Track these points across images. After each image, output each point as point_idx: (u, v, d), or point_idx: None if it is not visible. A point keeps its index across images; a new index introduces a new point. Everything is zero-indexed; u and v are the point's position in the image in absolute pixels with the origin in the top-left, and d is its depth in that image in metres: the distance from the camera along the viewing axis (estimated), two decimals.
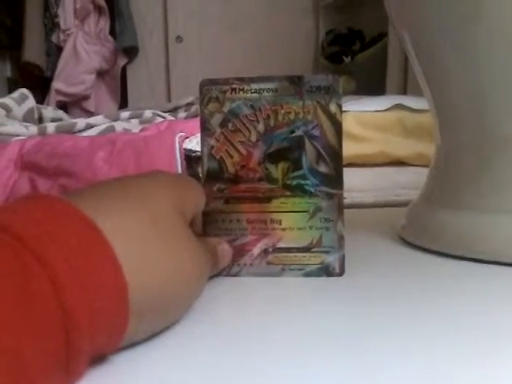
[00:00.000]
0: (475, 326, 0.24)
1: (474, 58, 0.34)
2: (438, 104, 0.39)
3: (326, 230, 0.31)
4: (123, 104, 2.44)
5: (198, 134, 0.54)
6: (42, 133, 0.63)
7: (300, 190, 0.31)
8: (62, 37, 2.35)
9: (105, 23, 2.41)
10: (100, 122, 0.67)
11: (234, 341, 0.23)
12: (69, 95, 2.36)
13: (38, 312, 0.16)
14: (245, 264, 0.32)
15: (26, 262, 0.17)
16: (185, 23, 2.54)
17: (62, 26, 2.33)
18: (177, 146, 0.54)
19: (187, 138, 0.55)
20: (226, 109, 0.32)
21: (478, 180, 0.36)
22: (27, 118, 0.76)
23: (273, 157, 0.32)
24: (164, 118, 0.73)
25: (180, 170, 0.52)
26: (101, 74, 2.45)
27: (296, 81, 0.31)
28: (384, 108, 0.64)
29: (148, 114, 0.72)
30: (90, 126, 0.66)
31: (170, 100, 2.44)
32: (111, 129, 0.66)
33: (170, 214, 0.24)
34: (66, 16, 2.33)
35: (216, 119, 0.32)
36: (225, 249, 0.31)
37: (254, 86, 0.32)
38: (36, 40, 2.31)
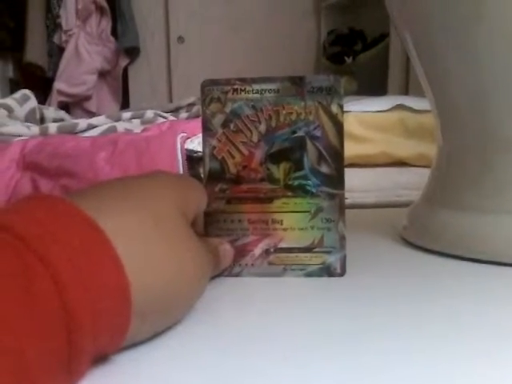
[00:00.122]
0: (476, 326, 0.24)
1: (475, 58, 0.34)
2: (440, 105, 0.39)
3: (328, 231, 0.31)
4: (125, 104, 2.45)
5: (200, 135, 0.55)
6: (44, 133, 0.63)
7: (301, 191, 0.31)
8: (63, 37, 2.36)
9: (106, 24, 2.41)
10: (102, 123, 0.67)
11: (236, 341, 0.23)
12: (70, 96, 2.36)
13: (41, 312, 0.16)
14: (246, 264, 0.32)
15: (28, 262, 0.17)
16: (186, 24, 2.54)
17: (64, 26, 2.34)
18: (178, 146, 0.54)
19: (189, 138, 0.55)
20: (227, 109, 0.32)
21: (480, 181, 0.36)
22: (29, 118, 0.76)
23: (274, 157, 0.32)
24: (165, 118, 0.73)
25: (181, 171, 0.53)
26: (102, 75, 2.46)
27: (297, 81, 0.32)
28: (385, 108, 0.64)
29: (150, 114, 0.73)
30: (91, 127, 0.66)
31: (171, 100, 2.44)
32: (113, 129, 0.66)
33: (172, 214, 0.24)
34: (67, 17, 2.34)
35: (218, 120, 0.32)
36: (226, 249, 0.31)
37: (256, 87, 0.32)
38: (38, 41, 2.31)
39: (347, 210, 0.32)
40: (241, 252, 0.32)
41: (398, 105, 0.64)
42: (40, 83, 2.33)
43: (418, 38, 0.38)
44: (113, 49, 2.43)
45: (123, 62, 2.47)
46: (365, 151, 0.61)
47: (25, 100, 0.77)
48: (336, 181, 0.31)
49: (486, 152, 0.35)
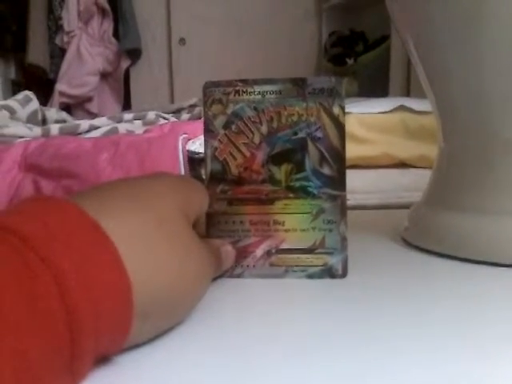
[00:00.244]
0: (478, 328, 0.24)
1: (477, 59, 0.34)
2: (441, 106, 0.39)
3: (329, 232, 0.31)
4: (126, 106, 2.45)
5: (201, 136, 0.55)
6: (46, 134, 0.63)
7: (303, 192, 0.32)
8: (65, 39, 2.36)
9: (108, 25, 2.42)
10: (103, 124, 0.67)
11: (237, 342, 0.23)
12: (72, 97, 2.36)
13: (43, 312, 0.16)
14: (248, 265, 0.32)
15: (30, 262, 0.17)
16: (188, 25, 2.54)
17: (66, 28, 2.34)
18: (180, 147, 0.54)
19: (190, 139, 0.55)
20: (229, 111, 0.32)
21: (481, 182, 0.36)
22: (31, 119, 0.76)
23: (276, 158, 0.32)
24: (167, 119, 0.74)
25: (183, 172, 0.53)
26: (104, 76, 2.46)
27: (299, 83, 0.32)
28: (387, 110, 0.64)
29: (151, 115, 0.73)
30: (93, 128, 0.66)
31: (173, 102, 2.44)
32: (114, 130, 0.66)
33: (174, 215, 0.24)
34: (69, 18, 2.34)
35: (219, 121, 0.32)
36: (228, 250, 0.31)
37: (258, 88, 0.32)
38: (40, 42, 2.32)
39: (349, 212, 0.32)
40: (242, 253, 0.32)
41: (399, 106, 0.64)
42: (42, 85, 2.33)
43: (419, 39, 0.38)
44: (114, 50, 2.44)
45: (125, 63, 2.47)
46: (366, 152, 0.61)
47: (27, 101, 0.77)
48: (337, 182, 0.31)
49: (488, 153, 0.35)
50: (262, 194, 0.32)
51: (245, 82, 0.32)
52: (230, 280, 0.32)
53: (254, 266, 0.32)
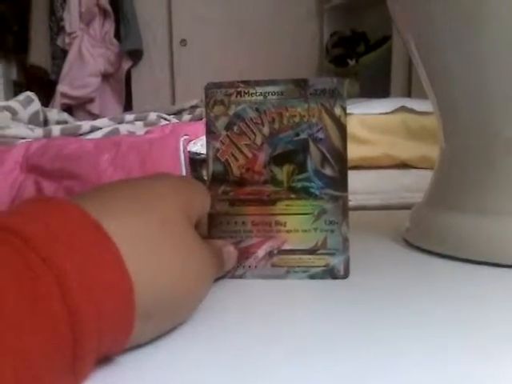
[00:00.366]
0: (480, 328, 0.24)
1: (477, 60, 0.34)
2: (442, 106, 0.39)
3: (331, 233, 0.31)
4: (128, 107, 2.45)
5: (203, 137, 0.55)
6: (48, 135, 0.63)
7: (305, 193, 0.32)
8: (67, 40, 2.36)
9: (110, 26, 2.42)
10: (105, 125, 0.67)
11: (239, 342, 0.23)
12: (74, 98, 2.37)
13: (45, 313, 0.16)
14: (250, 266, 0.32)
15: (32, 263, 0.17)
16: (189, 26, 2.54)
17: (68, 29, 2.34)
18: (181, 148, 0.54)
19: (191, 140, 0.55)
20: (231, 112, 0.32)
21: (483, 182, 0.36)
22: (33, 120, 0.76)
23: (278, 159, 0.32)
24: (168, 120, 0.74)
25: (184, 173, 0.53)
26: (106, 77, 2.46)
27: (301, 84, 0.32)
28: (388, 110, 0.64)
29: (152, 116, 0.73)
30: (94, 129, 0.66)
31: (174, 103, 2.44)
32: (116, 131, 0.66)
33: (176, 216, 0.24)
34: (71, 19, 2.34)
35: (221, 122, 0.32)
36: (230, 251, 0.31)
37: (259, 90, 0.32)
38: (42, 43, 2.32)
39: (350, 212, 0.32)
40: (244, 254, 0.32)
41: (400, 107, 0.64)
42: (43, 85, 2.33)
43: (420, 39, 0.38)
44: (116, 51, 2.44)
45: (126, 64, 2.48)
46: (367, 153, 0.61)
47: (28, 102, 0.77)
48: (339, 183, 0.31)
49: (489, 154, 0.35)
50: (264, 194, 0.32)
51: (246, 83, 0.32)
52: (231, 281, 0.32)
53: (255, 266, 0.32)
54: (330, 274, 0.31)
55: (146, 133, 0.62)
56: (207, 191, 0.30)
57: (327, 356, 0.22)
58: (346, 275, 0.31)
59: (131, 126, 0.68)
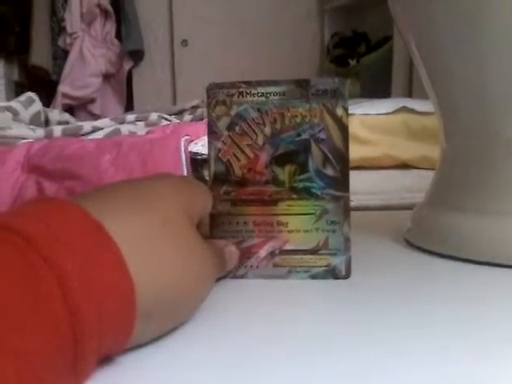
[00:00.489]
0: (481, 329, 0.24)
1: (478, 60, 0.34)
2: (443, 107, 0.39)
3: (333, 233, 0.31)
4: (129, 107, 2.45)
5: (204, 137, 0.55)
6: (49, 136, 0.64)
7: (306, 193, 0.32)
8: (68, 40, 2.36)
9: (111, 27, 2.42)
10: (106, 125, 0.68)
11: (241, 342, 0.23)
12: (75, 98, 2.37)
13: (46, 313, 0.17)
14: (251, 266, 0.32)
15: (34, 262, 0.17)
16: (190, 27, 2.54)
17: (69, 29, 2.34)
18: (182, 148, 0.54)
19: (192, 140, 0.55)
20: (233, 112, 0.32)
21: (484, 182, 0.36)
22: (34, 121, 0.76)
23: (279, 160, 0.32)
24: (169, 120, 0.74)
25: (185, 173, 0.53)
26: (107, 78, 2.46)
27: (303, 84, 0.32)
28: (389, 111, 0.64)
29: (153, 116, 0.73)
30: (96, 129, 0.66)
31: (175, 103, 2.44)
32: (117, 131, 0.66)
33: (178, 216, 0.24)
34: (72, 20, 2.34)
35: (223, 122, 0.32)
36: (232, 251, 0.31)
37: (261, 90, 0.32)
38: (43, 44, 2.32)
39: (352, 212, 0.32)
40: (246, 254, 0.32)
41: (401, 107, 0.64)
42: (45, 86, 2.33)
43: (421, 40, 0.38)
44: (117, 52, 2.44)
45: (127, 64, 2.48)
46: (368, 153, 0.61)
47: (30, 103, 0.77)
48: (341, 183, 0.32)
49: (490, 154, 0.35)
50: (266, 194, 0.32)
51: (248, 83, 0.32)
52: (233, 280, 0.32)
53: (257, 266, 0.32)
54: (332, 274, 0.31)
55: (147, 133, 0.62)
56: (209, 191, 0.30)
57: (329, 356, 0.22)
58: (347, 275, 0.31)
59: (132, 127, 0.68)
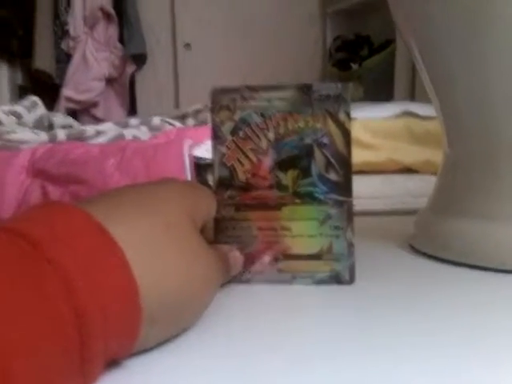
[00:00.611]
0: (489, 336, 0.24)
1: (481, 65, 0.34)
2: (446, 113, 0.39)
3: (336, 238, 0.31)
4: (132, 111, 2.46)
5: (207, 142, 0.55)
6: (53, 140, 0.64)
7: (309, 198, 0.32)
8: (71, 44, 2.37)
9: (114, 30, 2.43)
10: (109, 129, 0.68)
11: (244, 348, 0.23)
12: (78, 102, 2.37)
13: (52, 314, 0.17)
14: (255, 271, 0.32)
15: (40, 264, 0.17)
16: (193, 30, 2.55)
17: (72, 33, 2.35)
18: (186, 153, 0.54)
19: (196, 145, 0.56)
20: (236, 117, 0.32)
21: (487, 187, 0.36)
22: (37, 124, 0.77)
23: (283, 164, 0.32)
24: (172, 124, 0.74)
25: (189, 178, 0.53)
26: (110, 81, 2.47)
27: (305, 89, 0.32)
28: (392, 115, 0.64)
29: (156, 121, 0.73)
30: (99, 133, 0.66)
31: (178, 107, 2.45)
32: (121, 136, 0.66)
33: (182, 220, 0.25)
34: (75, 23, 2.35)
35: (227, 127, 0.32)
36: (236, 256, 0.31)
37: (265, 95, 0.32)
38: (46, 47, 2.33)
39: (355, 217, 0.32)
40: (250, 259, 0.32)
41: (404, 111, 0.64)
42: (48, 90, 2.34)
43: (424, 45, 0.38)
44: (120, 55, 2.45)
45: (130, 68, 2.48)
46: (371, 158, 0.61)
47: (33, 107, 0.78)
48: (344, 188, 0.32)
49: (493, 158, 0.35)
50: (269, 199, 0.32)
51: (252, 88, 0.32)
52: (237, 286, 0.32)
53: (261, 271, 0.32)
54: (336, 279, 0.31)
55: (151, 138, 0.62)
56: (213, 195, 0.30)
57: (332, 364, 0.22)
58: (351, 281, 0.31)
59: (136, 131, 0.69)
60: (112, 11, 2.40)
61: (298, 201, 0.32)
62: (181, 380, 0.21)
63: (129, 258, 0.20)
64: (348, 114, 0.32)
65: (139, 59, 2.49)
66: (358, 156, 0.58)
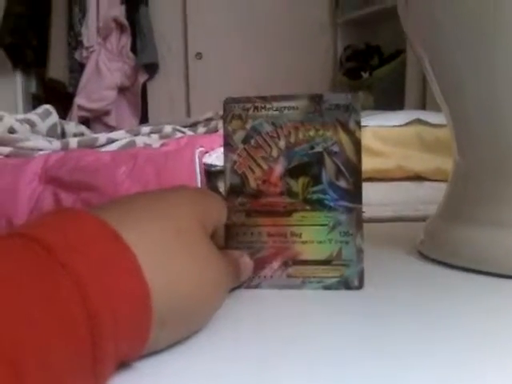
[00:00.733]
0: (498, 343, 0.24)
1: (490, 73, 0.34)
2: (455, 119, 0.39)
3: (346, 244, 0.32)
4: (144, 119, 2.48)
5: (218, 149, 0.56)
6: (65, 147, 0.65)
7: (320, 204, 0.32)
8: (84, 54, 2.40)
9: (126, 40, 2.45)
10: (121, 137, 0.68)
11: (253, 353, 0.24)
12: (91, 111, 2.40)
13: (65, 316, 0.17)
14: (265, 276, 0.32)
15: (53, 269, 0.18)
16: (204, 40, 2.57)
17: (86, 43, 2.38)
18: (196, 160, 0.54)
19: (207, 152, 0.56)
20: (248, 126, 0.32)
21: (498, 195, 0.36)
22: (51, 132, 0.78)
23: (293, 172, 0.32)
24: (184, 133, 0.75)
25: (200, 185, 0.53)
26: (122, 90, 2.49)
27: (316, 99, 0.32)
28: (402, 123, 0.64)
29: (168, 129, 0.74)
30: (111, 141, 0.67)
31: (189, 115, 2.46)
32: (132, 144, 0.67)
33: (192, 225, 0.25)
34: (89, 34, 2.38)
35: (239, 136, 0.33)
36: (246, 262, 0.31)
37: (276, 105, 0.32)
38: (60, 58, 2.36)
39: (365, 224, 0.32)
40: (260, 264, 0.32)
41: (414, 119, 0.64)
42: (61, 98, 2.37)
43: (433, 54, 0.38)
44: (132, 65, 2.47)
45: (142, 77, 2.51)
46: (382, 165, 0.61)
47: (47, 115, 0.79)
48: (353, 195, 0.32)
49: (503, 166, 0.35)
50: (280, 206, 0.32)
51: (263, 98, 0.33)
52: (247, 290, 0.32)
53: (271, 276, 0.32)
54: (345, 284, 0.32)
55: (162, 145, 0.63)
56: (224, 202, 0.31)
57: (339, 370, 0.22)
58: (360, 286, 0.32)
59: (147, 139, 0.69)
60: (125, 22, 2.43)
61: (308, 207, 0.32)
62: (190, 382, 0.21)
63: (140, 261, 0.20)
64: (358, 123, 0.32)
65: (151, 68, 2.52)
66: (368, 163, 0.58)
